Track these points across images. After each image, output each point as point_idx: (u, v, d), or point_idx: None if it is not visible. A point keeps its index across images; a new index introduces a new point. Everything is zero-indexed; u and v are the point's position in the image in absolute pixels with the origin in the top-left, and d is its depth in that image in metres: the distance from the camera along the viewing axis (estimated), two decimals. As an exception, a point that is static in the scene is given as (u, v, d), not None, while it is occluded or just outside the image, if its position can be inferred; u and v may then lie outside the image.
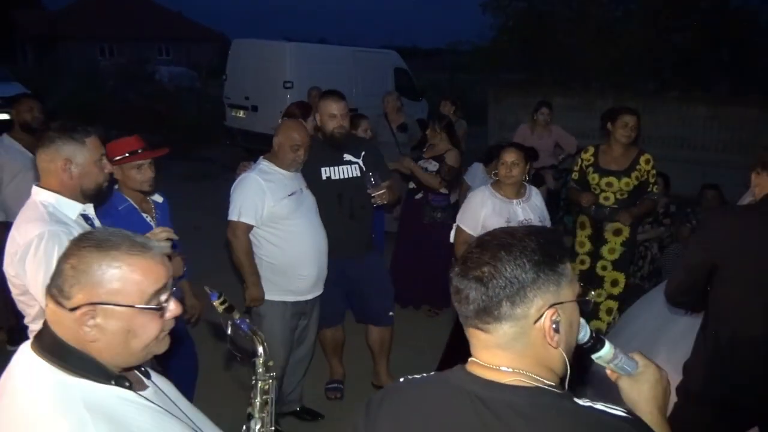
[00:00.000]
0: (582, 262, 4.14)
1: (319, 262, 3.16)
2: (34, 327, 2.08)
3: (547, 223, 3.48)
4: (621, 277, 4.05)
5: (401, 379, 1.15)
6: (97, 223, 2.19)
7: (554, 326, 0.99)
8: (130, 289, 1.07)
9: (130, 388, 1.11)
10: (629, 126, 3.89)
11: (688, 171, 6.97)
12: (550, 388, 0.99)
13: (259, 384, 1.47)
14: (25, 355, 1.09)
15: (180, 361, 2.66)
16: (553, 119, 6.07)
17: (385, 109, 6.20)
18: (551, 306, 0.99)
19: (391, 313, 3.71)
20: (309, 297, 3.18)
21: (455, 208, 5.12)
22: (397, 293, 4.92)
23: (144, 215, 2.72)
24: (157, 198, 2.85)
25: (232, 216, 2.99)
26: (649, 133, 8.28)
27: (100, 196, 2.21)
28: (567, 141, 6.11)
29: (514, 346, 1.00)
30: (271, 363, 1.49)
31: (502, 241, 1.01)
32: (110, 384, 1.08)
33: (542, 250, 1.00)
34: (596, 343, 1.11)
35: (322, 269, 3.19)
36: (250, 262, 3.02)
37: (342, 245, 3.37)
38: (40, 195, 2.07)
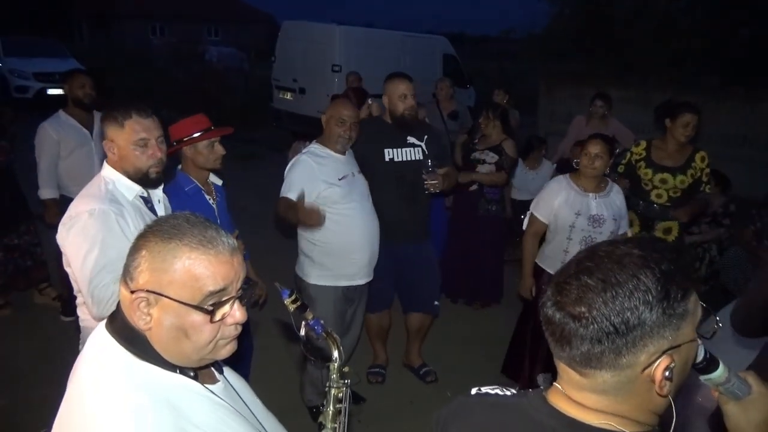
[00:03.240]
0: None
1: (372, 246, 3.13)
2: (79, 299, 2.10)
3: (624, 223, 3.35)
4: None
5: (473, 392, 1.03)
6: (158, 207, 2.18)
7: (667, 374, 0.82)
8: (183, 284, 1.01)
9: (195, 378, 1.07)
10: (690, 125, 3.68)
11: (752, 171, 6.63)
12: None
13: (333, 391, 1.36)
14: (99, 332, 1.09)
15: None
16: (611, 112, 5.84)
17: (437, 96, 6.07)
18: (665, 352, 0.82)
19: (436, 303, 3.67)
20: (360, 282, 3.16)
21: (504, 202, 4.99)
22: (447, 287, 4.82)
23: (207, 197, 2.73)
24: (216, 180, 2.84)
25: (283, 193, 2.97)
26: (711, 131, 7.91)
27: (147, 182, 2.12)
28: (624, 135, 5.86)
29: (613, 393, 0.86)
30: (346, 369, 1.37)
31: (608, 275, 0.82)
32: (175, 372, 1.05)
33: (661, 287, 0.81)
34: (710, 364, 0.97)
35: (374, 253, 3.17)
36: (294, 207, 2.85)
37: (401, 229, 3.35)
38: (106, 170, 2.09)
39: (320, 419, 1.37)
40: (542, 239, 3.47)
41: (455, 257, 4.76)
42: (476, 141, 4.72)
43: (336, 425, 1.36)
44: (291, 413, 3.03)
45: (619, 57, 10.64)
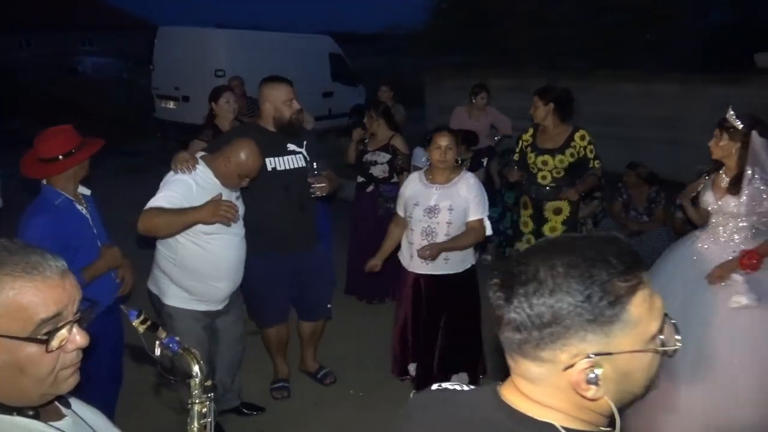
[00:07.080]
0: (528, 242, 4.20)
1: (237, 276, 3.01)
2: None
3: (480, 209, 3.31)
4: None
5: (433, 387, 1.03)
6: None
7: (591, 376, 0.82)
8: (11, 317, 0.93)
9: (36, 417, 1.00)
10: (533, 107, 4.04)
11: (619, 147, 7.18)
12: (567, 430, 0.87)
13: (196, 407, 1.30)
14: None
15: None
16: (489, 101, 6.09)
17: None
18: (591, 356, 0.82)
19: (329, 306, 3.64)
20: (219, 308, 3.00)
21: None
22: (358, 288, 4.86)
23: (79, 207, 2.59)
24: (85, 191, 2.70)
25: (153, 204, 2.64)
26: (582, 111, 8.48)
27: None
28: (502, 122, 6.15)
29: (542, 383, 0.87)
30: (208, 383, 1.32)
31: (536, 272, 0.84)
32: (12, 414, 0.97)
33: (588, 289, 0.81)
34: None
35: (237, 282, 3.04)
36: (175, 211, 2.61)
37: (293, 239, 3.29)
38: None
39: None
40: None
41: (360, 259, 4.72)
42: (366, 141, 4.78)
43: None
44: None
45: (496, 47, 11.13)
